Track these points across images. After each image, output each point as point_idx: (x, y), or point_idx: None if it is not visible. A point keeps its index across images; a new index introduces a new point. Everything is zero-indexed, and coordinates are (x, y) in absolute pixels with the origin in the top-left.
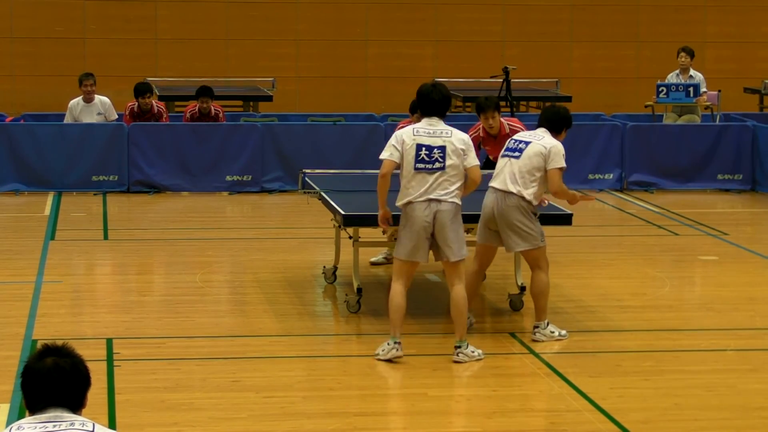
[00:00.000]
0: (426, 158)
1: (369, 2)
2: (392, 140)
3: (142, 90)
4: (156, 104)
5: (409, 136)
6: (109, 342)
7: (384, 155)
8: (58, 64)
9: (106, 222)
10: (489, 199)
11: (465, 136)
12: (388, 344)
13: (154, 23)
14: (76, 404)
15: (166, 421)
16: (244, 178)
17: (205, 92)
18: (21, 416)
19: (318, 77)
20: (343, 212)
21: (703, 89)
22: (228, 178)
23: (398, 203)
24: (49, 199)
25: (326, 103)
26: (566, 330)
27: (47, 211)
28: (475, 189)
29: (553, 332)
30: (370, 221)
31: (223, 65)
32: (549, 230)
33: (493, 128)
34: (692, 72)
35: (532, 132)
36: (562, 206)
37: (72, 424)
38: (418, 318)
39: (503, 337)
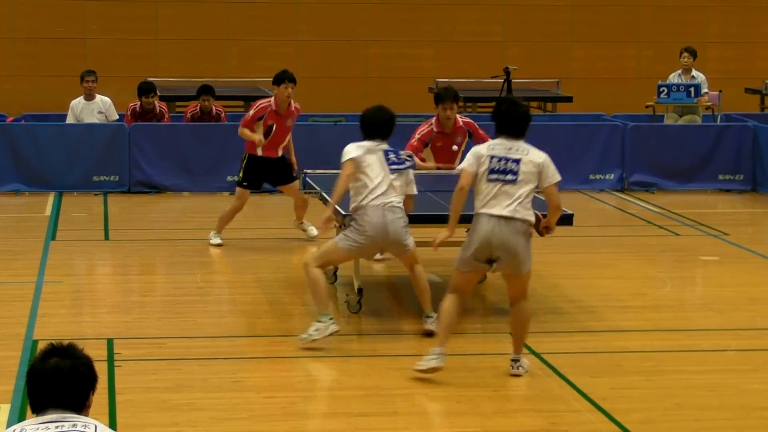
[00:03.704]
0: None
1: (370, 2)
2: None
3: (146, 89)
4: (158, 104)
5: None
6: (110, 342)
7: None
8: (59, 64)
9: (107, 222)
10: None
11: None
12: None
13: (155, 23)
14: (77, 406)
15: (166, 421)
16: None
17: (206, 90)
18: (21, 417)
19: (319, 77)
20: (343, 213)
21: (705, 90)
22: (229, 178)
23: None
24: (50, 199)
25: (327, 103)
26: (567, 331)
27: (48, 211)
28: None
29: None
30: None
31: (224, 65)
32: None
33: (450, 120)
34: (694, 72)
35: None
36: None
37: (74, 425)
38: (418, 318)
39: (504, 337)
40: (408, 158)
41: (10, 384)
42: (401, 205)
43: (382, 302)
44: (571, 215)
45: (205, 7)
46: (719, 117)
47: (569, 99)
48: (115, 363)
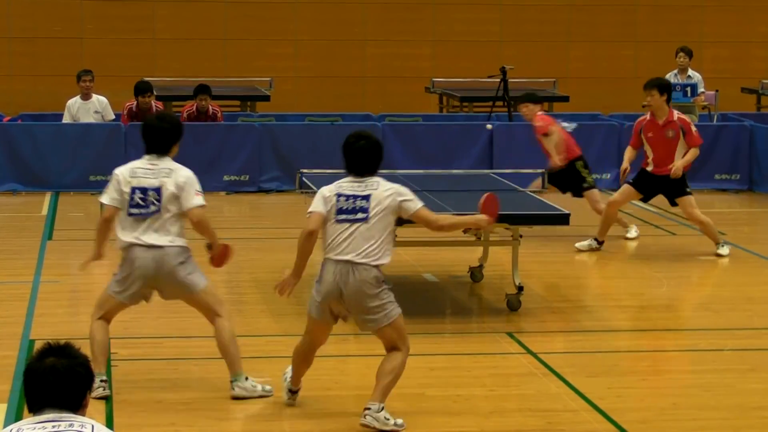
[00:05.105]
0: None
1: (367, 2)
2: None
3: (142, 89)
4: (154, 104)
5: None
6: None
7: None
8: (56, 63)
9: None
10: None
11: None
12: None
13: (152, 23)
14: (73, 405)
15: (163, 421)
16: (242, 177)
17: (203, 90)
18: (18, 416)
19: (315, 77)
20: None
21: (701, 89)
22: (225, 177)
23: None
24: (47, 199)
25: (324, 103)
26: (564, 331)
27: (45, 211)
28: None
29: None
30: None
31: (221, 65)
32: (547, 230)
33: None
34: (690, 72)
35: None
36: (560, 206)
37: (71, 425)
38: (415, 318)
39: (501, 337)
40: (156, 201)
41: (7, 384)
42: (168, 242)
43: None
44: (568, 215)
45: (202, 6)
46: (716, 117)
47: (566, 99)
48: (112, 363)
